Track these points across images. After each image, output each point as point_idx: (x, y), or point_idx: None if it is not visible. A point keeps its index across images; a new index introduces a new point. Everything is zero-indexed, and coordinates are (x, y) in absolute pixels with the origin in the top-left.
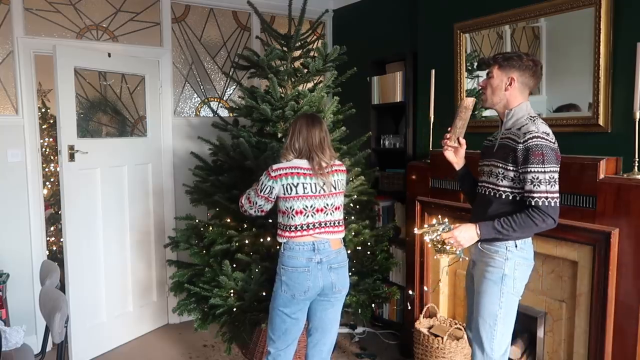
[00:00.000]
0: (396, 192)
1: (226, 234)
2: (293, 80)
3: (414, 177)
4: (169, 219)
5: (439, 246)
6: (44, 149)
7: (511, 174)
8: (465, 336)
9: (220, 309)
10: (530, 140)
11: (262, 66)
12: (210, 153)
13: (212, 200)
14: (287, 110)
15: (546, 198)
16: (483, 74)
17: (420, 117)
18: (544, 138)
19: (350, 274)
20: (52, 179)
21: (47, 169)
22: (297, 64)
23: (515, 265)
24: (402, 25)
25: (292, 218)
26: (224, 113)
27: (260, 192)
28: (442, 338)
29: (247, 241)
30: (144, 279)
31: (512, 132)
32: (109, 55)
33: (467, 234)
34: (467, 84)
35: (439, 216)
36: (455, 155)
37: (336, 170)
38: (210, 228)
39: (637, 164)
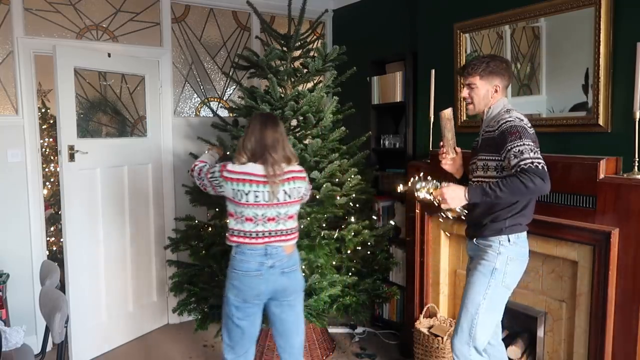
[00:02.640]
0: (396, 192)
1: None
2: (293, 80)
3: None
4: (168, 219)
5: (434, 203)
6: (44, 149)
7: (494, 164)
8: None
9: (220, 309)
10: (505, 124)
11: (261, 66)
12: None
13: (211, 201)
14: (287, 110)
15: (532, 162)
16: None
17: (420, 117)
18: (516, 120)
19: (350, 274)
20: (52, 179)
21: (47, 169)
22: (296, 64)
23: (507, 259)
24: (402, 25)
25: (242, 224)
26: (223, 113)
27: (210, 178)
28: (442, 338)
29: None
30: (144, 279)
31: (491, 125)
32: (109, 55)
33: (455, 193)
34: None
35: (422, 174)
36: (453, 164)
37: (294, 177)
38: (210, 229)
39: (637, 164)
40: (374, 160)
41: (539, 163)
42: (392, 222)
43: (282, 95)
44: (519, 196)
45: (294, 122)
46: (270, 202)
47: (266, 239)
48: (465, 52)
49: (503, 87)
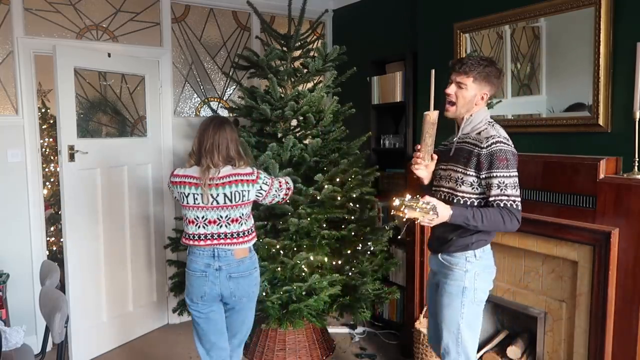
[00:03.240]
0: (396, 192)
1: None
2: (293, 80)
3: (414, 177)
4: (168, 219)
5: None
6: (44, 149)
7: (470, 179)
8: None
9: None
10: (494, 146)
11: (261, 66)
12: None
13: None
14: (287, 110)
15: (514, 201)
16: None
17: (420, 117)
18: (506, 143)
19: (350, 273)
20: (52, 179)
21: (47, 169)
22: (297, 64)
23: (475, 275)
24: (402, 25)
25: (186, 226)
26: (223, 113)
27: (168, 186)
28: None
29: None
30: (143, 279)
31: (472, 137)
32: (109, 55)
33: (442, 212)
34: None
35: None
36: (426, 169)
37: (237, 180)
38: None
39: (637, 164)
40: (374, 160)
41: (518, 202)
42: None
43: (282, 95)
44: (494, 229)
45: (294, 122)
46: (208, 205)
47: (215, 242)
48: (465, 52)
49: (489, 97)
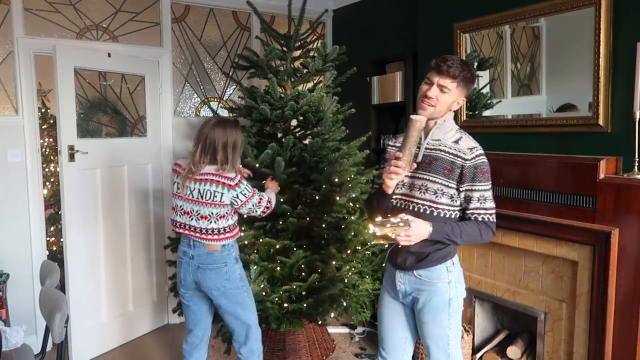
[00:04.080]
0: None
1: None
2: (293, 80)
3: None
4: (168, 220)
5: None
6: (44, 149)
7: (452, 192)
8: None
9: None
10: (479, 158)
11: (261, 66)
12: None
13: None
14: (287, 110)
15: (491, 215)
16: (484, 73)
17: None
18: (485, 155)
19: (349, 273)
20: (52, 179)
21: (47, 169)
22: (296, 64)
23: (456, 283)
24: (402, 25)
25: (172, 212)
26: (223, 113)
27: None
28: None
29: (246, 242)
30: (143, 279)
31: (447, 145)
32: (109, 55)
33: (420, 230)
34: None
35: (393, 212)
36: (398, 179)
37: (211, 180)
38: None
39: (637, 164)
40: (374, 160)
41: (494, 214)
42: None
43: (282, 95)
44: (471, 242)
45: (294, 122)
46: (185, 196)
47: (187, 232)
48: (465, 52)
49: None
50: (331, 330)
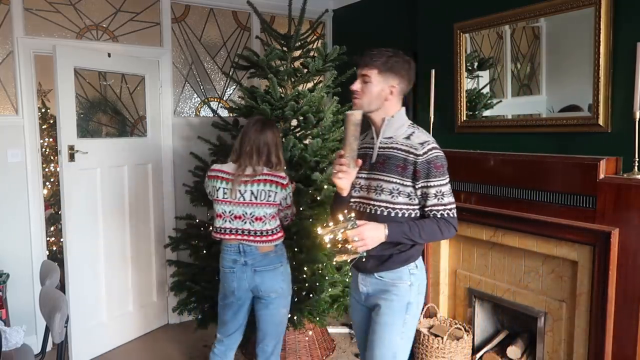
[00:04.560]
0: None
1: None
2: (293, 80)
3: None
4: (169, 219)
5: (339, 246)
6: (44, 149)
7: (408, 190)
8: None
9: None
10: (431, 152)
11: (262, 66)
12: (211, 153)
13: (211, 201)
14: (287, 110)
15: (450, 210)
16: (484, 73)
17: (420, 117)
18: (439, 148)
19: (350, 273)
20: (52, 179)
21: (47, 169)
22: (297, 64)
23: (418, 288)
24: (402, 25)
25: (215, 219)
26: (224, 113)
27: (205, 185)
28: (442, 338)
29: None
30: (144, 279)
31: (399, 142)
32: (109, 55)
33: (374, 232)
34: (467, 83)
35: (345, 211)
36: (348, 180)
37: (266, 180)
38: (210, 228)
39: (637, 164)
40: None
41: (454, 209)
42: None
43: (282, 95)
44: (431, 240)
45: (294, 122)
46: (234, 200)
47: (239, 237)
48: (466, 52)
49: (400, 91)
50: (331, 330)
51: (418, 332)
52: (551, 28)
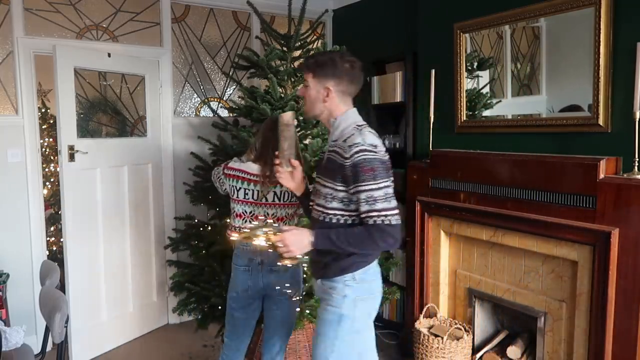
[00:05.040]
0: (396, 192)
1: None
2: (293, 80)
3: (414, 177)
4: (169, 219)
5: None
6: (44, 149)
7: (341, 195)
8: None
9: (220, 309)
10: (357, 155)
11: (262, 66)
12: (211, 153)
13: (211, 200)
14: (287, 111)
15: (385, 216)
16: (484, 73)
17: (420, 117)
18: (371, 151)
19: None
20: (52, 179)
21: (47, 169)
22: (297, 64)
23: (354, 302)
24: (402, 25)
25: (234, 219)
26: (224, 113)
27: (217, 177)
28: (442, 338)
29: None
30: (144, 279)
31: (339, 145)
32: (109, 55)
33: (298, 238)
34: (467, 83)
35: (262, 215)
36: (291, 180)
37: None
38: (210, 228)
39: (637, 164)
40: None
41: (392, 215)
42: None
43: (282, 95)
44: (368, 250)
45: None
46: (259, 202)
47: None
48: (466, 52)
49: (340, 93)
50: None
51: (418, 332)
52: (551, 28)
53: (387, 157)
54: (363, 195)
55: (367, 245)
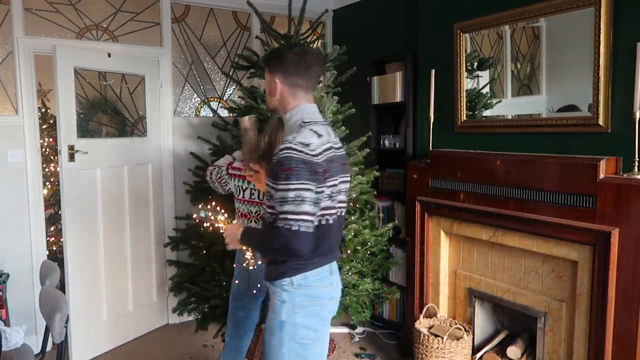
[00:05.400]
0: (396, 192)
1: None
2: None
3: (414, 177)
4: (168, 219)
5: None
6: (44, 149)
7: (272, 192)
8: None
9: (220, 309)
10: (282, 152)
11: (262, 66)
12: (211, 153)
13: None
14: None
15: (287, 220)
16: (483, 73)
17: (420, 117)
18: (295, 149)
19: (349, 273)
20: (52, 179)
21: (47, 169)
22: None
23: (293, 308)
24: (402, 25)
25: (239, 219)
26: (224, 113)
27: (219, 177)
28: (442, 338)
29: None
30: (143, 279)
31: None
32: (109, 55)
33: (233, 231)
34: (467, 83)
35: (212, 204)
36: (258, 181)
37: None
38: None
39: (637, 164)
40: (374, 160)
41: (295, 221)
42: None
43: None
44: (272, 254)
45: None
46: (257, 200)
47: None
48: (466, 52)
49: (288, 86)
50: (331, 330)
51: (418, 332)
52: (551, 28)
53: (320, 159)
54: (277, 195)
55: (266, 246)
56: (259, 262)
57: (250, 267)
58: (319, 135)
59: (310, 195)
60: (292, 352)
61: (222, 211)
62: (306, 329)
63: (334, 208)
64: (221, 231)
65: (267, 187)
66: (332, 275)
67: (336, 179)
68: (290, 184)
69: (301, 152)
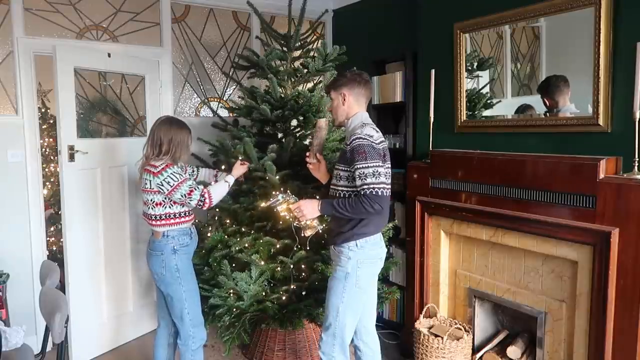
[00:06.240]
0: (396, 192)
1: (225, 239)
2: (293, 80)
3: (414, 177)
4: None
5: (298, 223)
6: (44, 149)
7: (346, 174)
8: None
9: (219, 309)
10: (354, 142)
11: (262, 66)
12: (211, 154)
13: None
14: (287, 110)
15: (373, 188)
16: (483, 73)
17: (420, 117)
18: (365, 138)
19: None
20: (52, 179)
21: (47, 169)
22: (297, 64)
23: (357, 263)
24: (402, 25)
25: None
26: (224, 113)
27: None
28: (442, 338)
29: (246, 245)
30: (144, 279)
31: (348, 138)
32: (109, 55)
33: (309, 204)
34: (467, 83)
35: (282, 189)
36: (318, 171)
37: (145, 169)
38: (210, 228)
39: (637, 164)
40: None
41: (379, 188)
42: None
43: (282, 95)
44: (363, 216)
45: (294, 122)
46: (142, 187)
47: (145, 218)
48: (466, 52)
49: (355, 95)
50: None
51: (418, 332)
52: (551, 28)
53: (381, 145)
54: (357, 172)
55: (358, 210)
56: (319, 230)
57: (309, 233)
58: (377, 131)
59: (382, 170)
60: (351, 295)
61: (289, 193)
62: (364, 279)
63: (389, 184)
64: (293, 209)
65: (337, 171)
66: (382, 241)
67: (389, 164)
68: (367, 162)
69: (368, 140)
